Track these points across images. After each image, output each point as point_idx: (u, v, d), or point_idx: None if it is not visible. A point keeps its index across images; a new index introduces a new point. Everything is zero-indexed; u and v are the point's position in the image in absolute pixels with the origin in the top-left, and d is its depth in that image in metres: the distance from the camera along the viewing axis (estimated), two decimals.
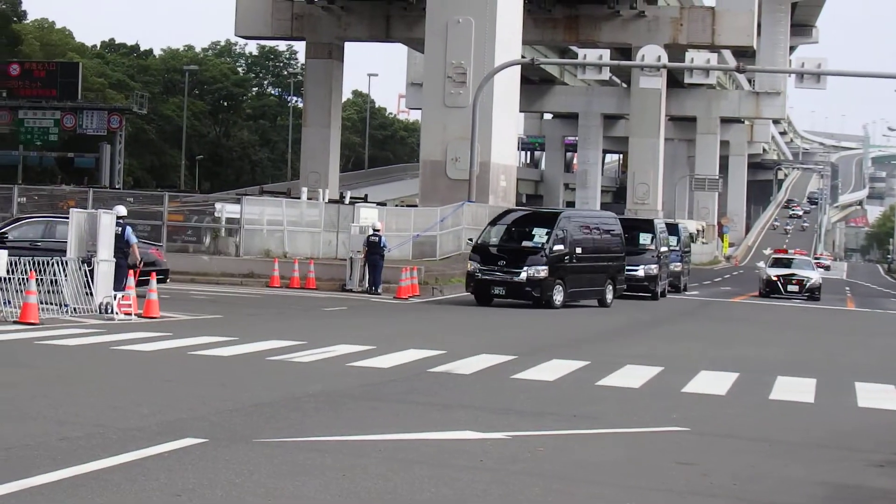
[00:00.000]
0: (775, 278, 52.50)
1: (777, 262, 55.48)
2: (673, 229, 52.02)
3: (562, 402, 15.99)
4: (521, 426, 13.68)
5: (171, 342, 20.60)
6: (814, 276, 53.36)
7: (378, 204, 53.06)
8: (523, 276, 35.91)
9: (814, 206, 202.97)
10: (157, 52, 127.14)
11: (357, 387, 16.27)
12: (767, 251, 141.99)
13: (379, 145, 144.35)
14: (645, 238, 45.81)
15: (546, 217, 39.01)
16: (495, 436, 12.99)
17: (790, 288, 52.02)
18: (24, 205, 43.90)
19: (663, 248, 46.66)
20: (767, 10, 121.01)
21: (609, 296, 38.98)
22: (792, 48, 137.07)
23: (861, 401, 17.88)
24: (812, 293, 51.97)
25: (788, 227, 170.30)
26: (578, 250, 37.55)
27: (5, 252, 24.23)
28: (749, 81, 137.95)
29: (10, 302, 23.84)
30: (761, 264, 59.04)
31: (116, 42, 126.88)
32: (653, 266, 44.88)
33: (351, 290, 38.21)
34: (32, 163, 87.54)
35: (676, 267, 50.23)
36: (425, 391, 16.31)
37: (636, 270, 43.51)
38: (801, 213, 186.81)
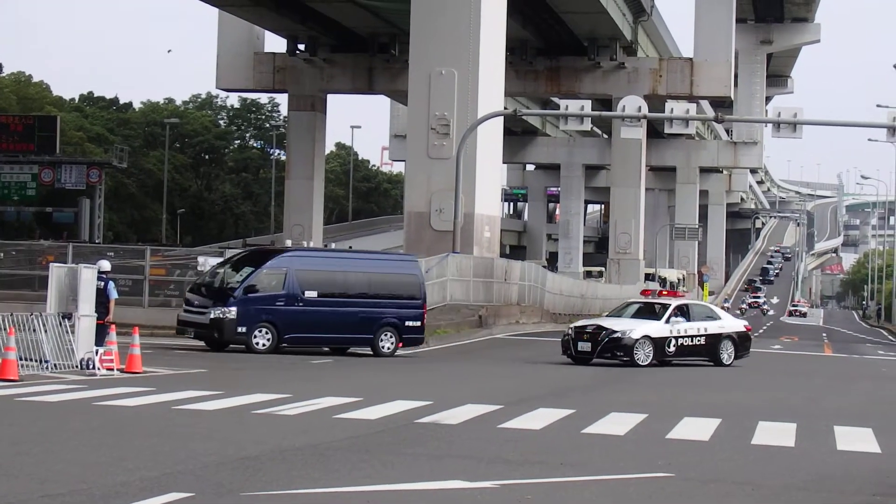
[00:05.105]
0: (570, 333, 34.47)
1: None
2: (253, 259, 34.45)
3: (549, 450, 15.99)
4: (509, 475, 13.63)
5: (154, 397, 20.40)
6: (638, 330, 33.41)
7: None
8: None
9: (769, 284, 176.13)
10: (136, 106, 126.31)
11: (344, 439, 16.17)
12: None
13: (363, 197, 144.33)
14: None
15: None
16: (484, 485, 12.94)
17: (581, 346, 33.49)
18: (2, 260, 43.63)
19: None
20: (744, 61, 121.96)
21: None
22: (768, 98, 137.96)
23: (840, 444, 18.12)
24: (627, 352, 33.09)
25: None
26: None
27: None
28: (727, 132, 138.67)
29: None
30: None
31: (95, 95, 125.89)
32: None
33: None
34: (10, 218, 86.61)
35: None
36: (413, 442, 16.24)
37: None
38: (762, 299, 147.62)
